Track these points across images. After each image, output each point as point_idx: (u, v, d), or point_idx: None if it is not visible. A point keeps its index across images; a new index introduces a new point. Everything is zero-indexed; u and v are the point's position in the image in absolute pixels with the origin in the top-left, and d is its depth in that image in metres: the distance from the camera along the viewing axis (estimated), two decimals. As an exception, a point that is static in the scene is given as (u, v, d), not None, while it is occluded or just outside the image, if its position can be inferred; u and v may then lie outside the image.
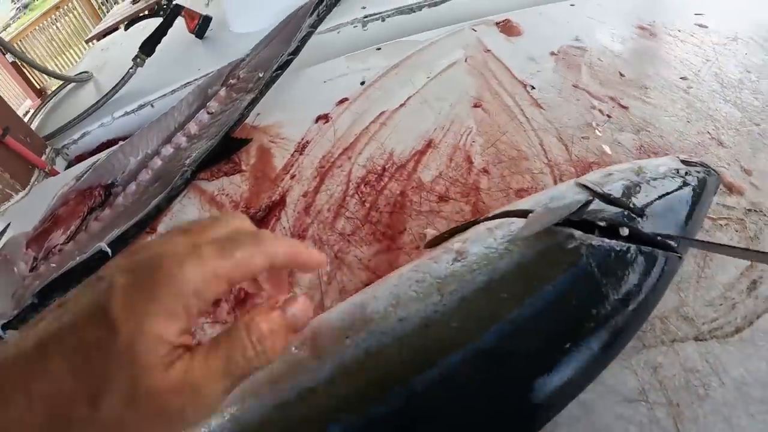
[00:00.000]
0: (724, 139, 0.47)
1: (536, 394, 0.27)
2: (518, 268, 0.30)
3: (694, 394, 0.32)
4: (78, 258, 0.52)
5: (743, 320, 0.36)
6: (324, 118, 0.57)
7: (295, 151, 0.54)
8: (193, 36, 0.83)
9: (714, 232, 0.40)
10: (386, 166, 0.49)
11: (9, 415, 0.20)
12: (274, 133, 0.58)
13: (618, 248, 0.31)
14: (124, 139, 0.66)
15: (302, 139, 0.55)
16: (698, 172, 0.39)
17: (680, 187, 0.37)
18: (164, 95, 0.74)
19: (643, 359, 0.34)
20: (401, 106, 0.55)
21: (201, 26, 0.81)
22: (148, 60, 0.78)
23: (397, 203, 0.45)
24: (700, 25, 0.62)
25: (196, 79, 0.73)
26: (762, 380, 0.32)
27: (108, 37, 1.21)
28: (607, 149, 0.47)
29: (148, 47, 0.76)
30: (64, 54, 3.76)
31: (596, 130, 0.49)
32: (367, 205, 0.46)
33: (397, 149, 0.50)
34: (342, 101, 0.58)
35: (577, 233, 0.31)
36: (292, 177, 0.51)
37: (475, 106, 0.53)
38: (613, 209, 0.34)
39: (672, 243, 0.33)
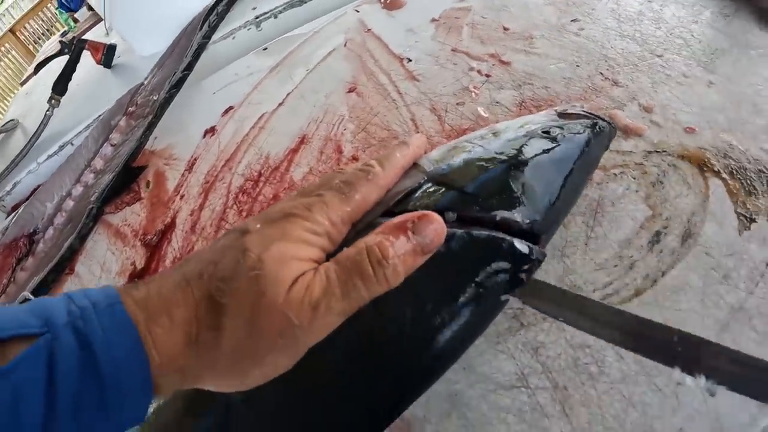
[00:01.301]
0: (619, 78, 0.45)
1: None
2: None
3: (584, 374, 0.30)
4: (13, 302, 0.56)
5: (644, 280, 0.32)
6: (211, 131, 0.58)
7: (185, 170, 0.55)
8: (102, 67, 0.85)
9: (607, 183, 0.37)
10: (262, 171, 0.49)
11: (157, 331, 0.24)
12: (168, 155, 0.59)
13: (450, 236, 0.27)
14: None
15: (191, 156, 0.56)
16: (578, 128, 0.34)
17: (550, 149, 0.33)
18: (80, 132, 0.76)
19: (521, 341, 0.32)
20: (280, 105, 0.55)
21: (106, 56, 0.83)
22: (64, 99, 0.80)
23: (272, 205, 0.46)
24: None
25: (101, 119, 0.75)
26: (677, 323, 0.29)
27: (30, 81, 1.25)
28: (483, 112, 0.46)
29: (60, 86, 0.79)
30: (6, 100, 3.80)
31: (472, 93, 0.48)
32: (244, 214, 0.47)
33: (272, 152, 0.51)
34: (227, 111, 0.59)
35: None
36: (182, 197, 0.53)
37: (350, 91, 0.52)
38: (446, 195, 0.30)
39: (522, 225, 0.30)
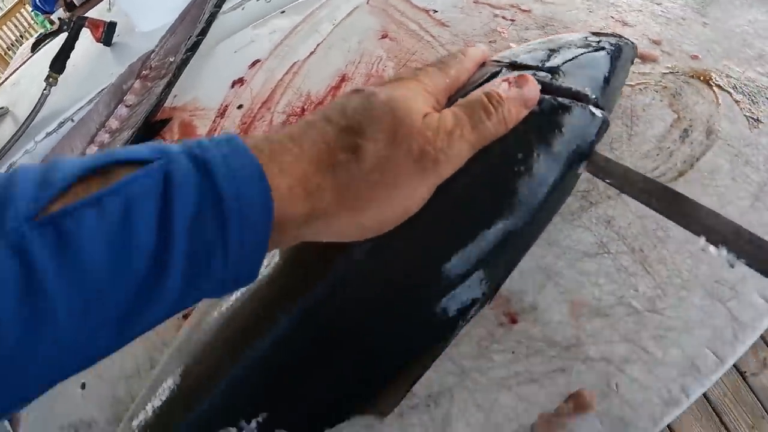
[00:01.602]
0: (628, 19, 0.52)
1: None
2: None
3: (654, 238, 0.34)
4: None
5: (684, 164, 0.38)
6: (239, 82, 0.59)
7: (216, 117, 0.57)
8: (102, 45, 0.84)
9: (635, 96, 0.44)
10: (305, 107, 0.52)
11: (284, 159, 0.23)
12: (193, 107, 0.60)
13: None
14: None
15: (221, 105, 0.58)
16: (611, 41, 0.41)
17: (595, 50, 0.39)
18: (82, 107, 0.74)
19: (594, 216, 0.36)
20: (311, 54, 0.58)
21: (107, 33, 0.82)
22: (61, 78, 0.78)
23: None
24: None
25: (111, 84, 0.74)
26: (718, 199, 0.35)
27: (17, 73, 1.20)
28: (515, 46, 0.51)
29: (58, 64, 0.77)
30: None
31: (502, 33, 0.53)
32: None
33: (312, 90, 0.53)
34: (254, 63, 0.61)
35: None
36: (217, 139, 0.54)
37: (382, 37, 0.56)
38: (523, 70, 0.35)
39: (589, 95, 0.35)
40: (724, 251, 0.29)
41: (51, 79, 0.78)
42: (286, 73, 0.57)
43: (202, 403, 0.30)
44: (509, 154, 0.30)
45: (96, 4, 1.00)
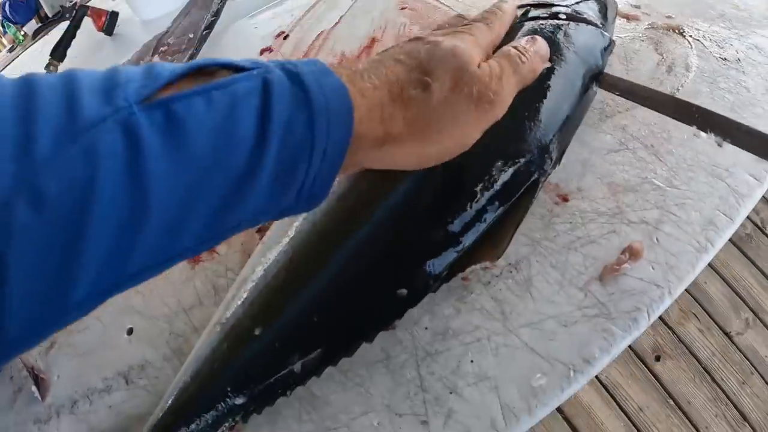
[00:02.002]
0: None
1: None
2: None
3: (660, 138, 0.44)
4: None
5: (672, 89, 0.48)
6: (268, 49, 0.65)
7: (251, 78, 0.62)
8: (103, 34, 0.86)
9: (626, 44, 0.54)
10: (341, 62, 0.58)
11: (363, 84, 0.26)
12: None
13: (563, 24, 0.42)
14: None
15: (253, 69, 0.63)
16: None
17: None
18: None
19: (611, 124, 0.45)
20: (336, 24, 0.65)
21: (109, 23, 0.84)
22: (61, 67, 0.80)
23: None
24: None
25: (128, 60, 0.76)
26: None
27: (11, 65, 1.17)
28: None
29: (59, 52, 0.78)
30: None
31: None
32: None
33: (346, 50, 0.60)
34: (279, 35, 0.67)
35: (529, 23, 0.42)
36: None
37: (402, 8, 0.64)
38: (549, 9, 0.45)
39: (598, 22, 0.45)
40: (712, 135, 0.37)
41: (51, 67, 0.79)
42: (315, 40, 0.63)
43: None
44: (556, 60, 0.40)
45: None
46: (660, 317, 1.39)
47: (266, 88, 0.23)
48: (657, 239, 0.38)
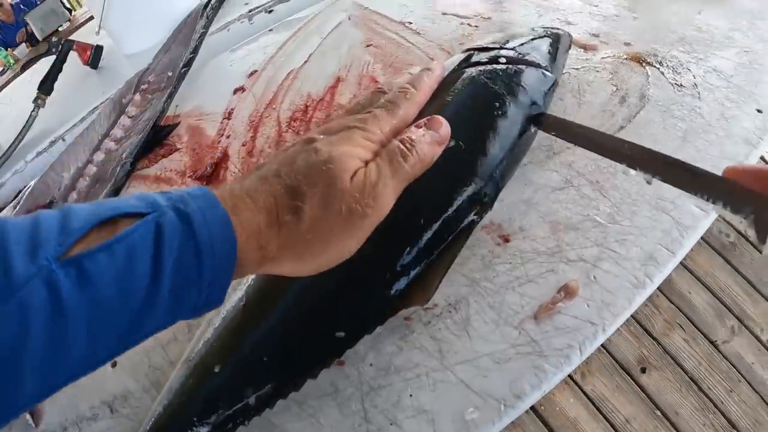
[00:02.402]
0: (571, 20, 0.65)
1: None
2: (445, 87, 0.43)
3: (606, 173, 0.46)
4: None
5: (623, 120, 0.50)
6: (240, 89, 0.68)
7: (223, 119, 0.65)
8: (88, 68, 0.91)
9: (581, 76, 0.56)
10: (307, 104, 0.61)
11: (243, 214, 0.30)
12: (198, 113, 0.68)
13: (502, 69, 0.45)
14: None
15: (226, 109, 0.66)
16: (552, 31, 0.55)
17: (541, 37, 0.52)
18: (74, 126, 0.81)
19: (558, 161, 0.47)
20: (305, 62, 0.68)
21: (94, 57, 0.89)
22: (48, 100, 0.84)
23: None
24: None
25: (101, 103, 0.81)
26: (654, 142, 0.48)
27: (1, 93, 1.23)
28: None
29: (46, 86, 0.83)
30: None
31: (469, 37, 0.65)
32: (301, 132, 0.58)
33: (312, 91, 0.63)
34: (252, 74, 0.70)
35: (470, 69, 0.45)
36: (227, 137, 0.62)
37: (368, 45, 0.67)
38: (491, 53, 0.47)
39: (541, 64, 0.47)
40: (641, 172, 0.36)
41: (39, 101, 0.83)
42: (285, 79, 0.66)
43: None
44: (491, 105, 0.42)
45: (65, 36, 1.07)
46: (645, 329, 1.42)
47: (158, 233, 0.27)
48: (594, 277, 0.40)
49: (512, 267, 0.41)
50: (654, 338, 1.40)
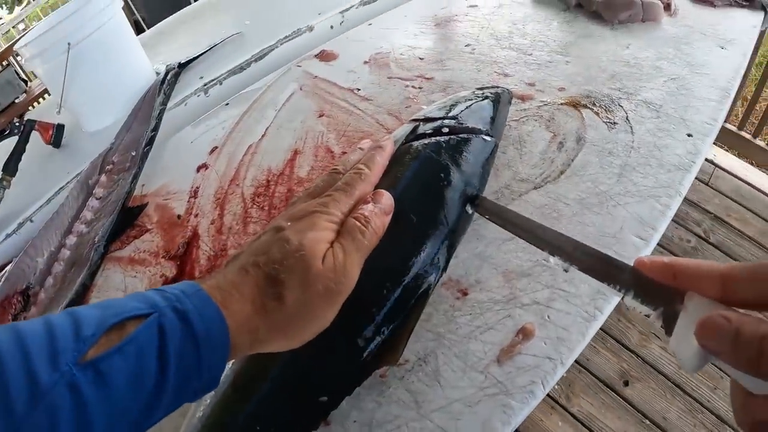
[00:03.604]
0: (508, 71, 0.74)
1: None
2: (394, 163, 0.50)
3: (550, 218, 0.53)
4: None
5: (563, 165, 0.58)
6: (203, 166, 0.75)
7: (189, 197, 0.71)
8: (52, 147, 0.95)
9: (520, 127, 0.64)
10: (269, 179, 0.68)
11: (232, 306, 0.35)
12: (164, 192, 0.74)
13: (445, 140, 0.52)
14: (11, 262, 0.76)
15: (191, 187, 0.72)
16: (491, 90, 0.63)
17: (481, 99, 0.60)
18: (41, 207, 0.85)
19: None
20: (263, 137, 0.75)
21: (56, 136, 0.94)
22: (14, 180, 0.88)
23: (288, 198, 0.64)
24: (472, 6, 0.93)
25: (67, 183, 0.86)
26: (592, 192, 0.55)
27: None
28: (425, 107, 0.71)
29: (10, 167, 0.87)
30: None
31: (414, 99, 0.73)
32: (266, 207, 0.64)
33: (272, 165, 0.70)
34: (213, 150, 0.77)
35: (416, 142, 0.52)
36: (196, 216, 0.68)
37: (320, 116, 0.75)
38: (435, 123, 0.55)
39: (481, 129, 0.55)
40: (559, 260, 0.39)
41: (5, 182, 0.88)
42: (245, 154, 0.73)
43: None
44: (437, 177, 0.49)
45: (22, 108, 1.11)
46: (621, 343, 1.54)
47: (162, 334, 0.33)
48: (548, 317, 0.46)
49: (472, 317, 0.47)
50: (632, 351, 1.48)
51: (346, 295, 0.39)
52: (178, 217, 0.69)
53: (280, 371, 0.44)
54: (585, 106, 0.65)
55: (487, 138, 0.55)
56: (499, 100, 0.62)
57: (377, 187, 0.46)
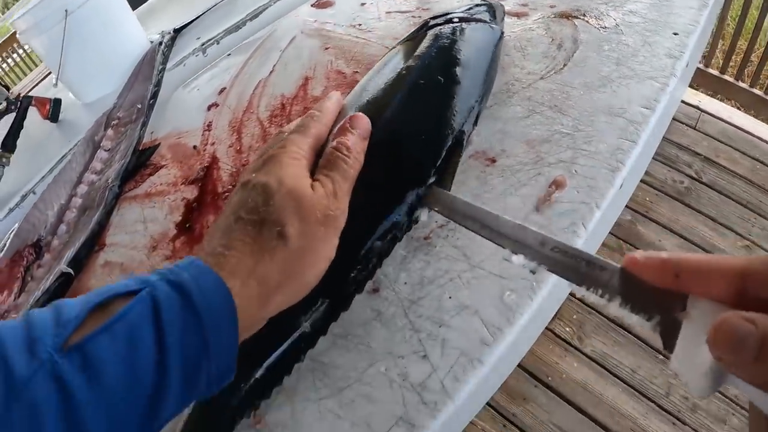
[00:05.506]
0: None
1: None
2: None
3: (561, 98, 0.56)
4: (42, 286, 0.60)
5: (565, 60, 0.61)
6: (214, 105, 0.75)
7: (204, 131, 0.71)
8: (49, 122, 0.94)
9: (521, 34, 0.68)
10: (284, 102, 0.69)
11: (230, 265, 0.32)
12: (176, 133, 0.74)
13: (456, 25, 0.56)
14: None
15: (204, 123, 0.72)
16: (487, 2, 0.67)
17: (480, 5, 0.64)
18: (42, 178, 0.84)
19: (518, 98, 0.57)
20: (271, 73, 0.76)
21: (53, 110, 0.93)
22: (13, 157, 0.87)
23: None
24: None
25: (70, 149, 0.85)
26: (595, 77, 0.58)
27: None
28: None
29: (9, 143, 0.86)
30: None
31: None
32: (284, 124, 0.65)
33: (285, 92, 0.71)
34: (221, 91, 0.78)
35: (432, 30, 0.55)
36: (212, 144, 0.68)
37: (326, 48, 0.76)
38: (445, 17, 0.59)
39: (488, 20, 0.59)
40: (522, 258, 0.34)
41: (4, 159, 0.86)
42: (256, 88, 0.74)
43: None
44: (453, 50, 0.52)
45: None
46: None
47: (156, 307, 0.28)
48: (575, 170, 0.48)
49: (505, 179, 0.49)
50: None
51: (342, 224, 0.37)
52: (194, 147, 0.69)
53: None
54: (576, 17, 0.69)
55: (495, 26, 0.59)
56: (495, 10, 0.66)
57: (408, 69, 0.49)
